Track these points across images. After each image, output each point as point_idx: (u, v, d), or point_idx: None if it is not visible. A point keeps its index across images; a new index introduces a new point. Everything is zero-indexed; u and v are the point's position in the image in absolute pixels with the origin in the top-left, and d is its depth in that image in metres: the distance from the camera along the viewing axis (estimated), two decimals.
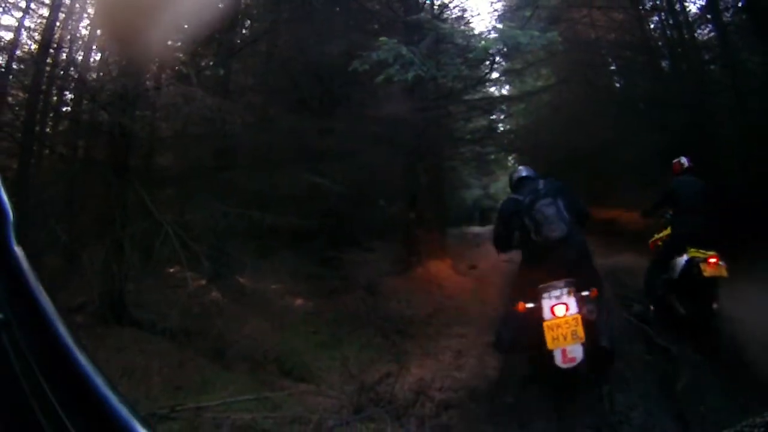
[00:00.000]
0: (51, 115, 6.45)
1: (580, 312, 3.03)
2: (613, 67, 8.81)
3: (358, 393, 3.94)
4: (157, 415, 3.01)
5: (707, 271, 3.91)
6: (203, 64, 5.77)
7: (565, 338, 2.99)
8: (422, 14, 6.03)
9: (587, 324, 3.06)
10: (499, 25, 7.61)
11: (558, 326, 2.99)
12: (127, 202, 4.02)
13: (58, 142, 6.08)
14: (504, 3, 8.43)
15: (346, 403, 3.80)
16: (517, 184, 3.67)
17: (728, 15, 6.76)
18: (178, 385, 3.76)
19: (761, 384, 3.62)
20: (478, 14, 13.19)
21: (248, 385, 3.91)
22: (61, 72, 6.11)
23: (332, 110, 6.02)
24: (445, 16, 7.41)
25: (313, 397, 3.93)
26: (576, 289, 3.09)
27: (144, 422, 0.56)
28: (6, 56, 5.86)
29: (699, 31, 7.32)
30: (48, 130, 6.30)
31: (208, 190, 5.02)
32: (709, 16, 6.89)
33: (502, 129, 9.38)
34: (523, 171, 3.78)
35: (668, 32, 7.62)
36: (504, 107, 9.00)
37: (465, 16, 8.02)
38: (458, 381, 4.12)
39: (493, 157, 9.82)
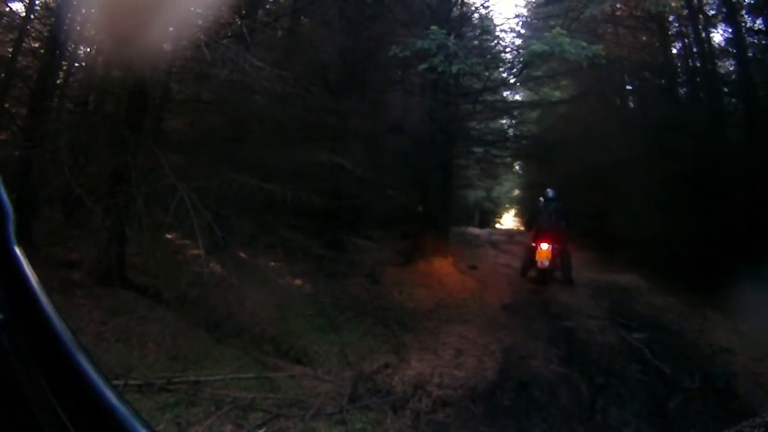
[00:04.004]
0: (65, 66, 6.11)
1: (551, 249, 6.24)
2: (629, 87, 8.67)
3: (355, 381, 3.79)
4: (155, 385, 2.78)
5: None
6: (223, 33, 5.45)
7: (542, 257, 6.24)
8: (455, 9, 5.80)
9: (553, 256, 6.29)
10: (523, 31, 7.46)
11: (542, 252, 6.24)
12: (141, 161, 3.74)
13: (72, 93, 5.75)
14: (530, 10, 8.25)
15: (343, 390, 3.63)
16: (545, 197, 6.71)
17: (752, 52, 6.63)
18: (174, 354, 3.53)
19: (752, 412, 3.58)
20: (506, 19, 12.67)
21: (245, 362, 3.70)
22: (78, 27, 5.76)
23: (354, 93, 5.75)
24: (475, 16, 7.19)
25: (310, 381, 3.76)
26: (550, 242, 6.25)
27: (144, 422, 0.53)
28: (27, 3, 5.52)
29: (721, 63, 7.20)
30: (60, 81, 5.96)
31: (221, 158, 4.75)
32: (733, 51, 6.75)
33: (515, 134, 9.21)
34: (550, 193, 6.67)
35: (690, 60, 7.48)
36: (518, 113, 8.83)
37: (491, 17, 7.83)
38: (457, 379, 3.97)
39: (498, 160, 9.68)
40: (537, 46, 4.06)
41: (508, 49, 6.38)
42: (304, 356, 4.26)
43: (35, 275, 0.64)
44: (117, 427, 0.52)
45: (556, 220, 6.42)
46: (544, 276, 6.33)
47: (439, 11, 6.29)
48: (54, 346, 0.58)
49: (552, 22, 5.95)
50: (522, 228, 9.90)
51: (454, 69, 4.23)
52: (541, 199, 6.72)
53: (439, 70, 4.34)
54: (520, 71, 5.93)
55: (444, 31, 4.35)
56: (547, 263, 6.16)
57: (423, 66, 4.52)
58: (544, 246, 6.20)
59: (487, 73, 5.43)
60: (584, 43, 4.01)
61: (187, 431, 2.45)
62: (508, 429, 3.51)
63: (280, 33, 5.69)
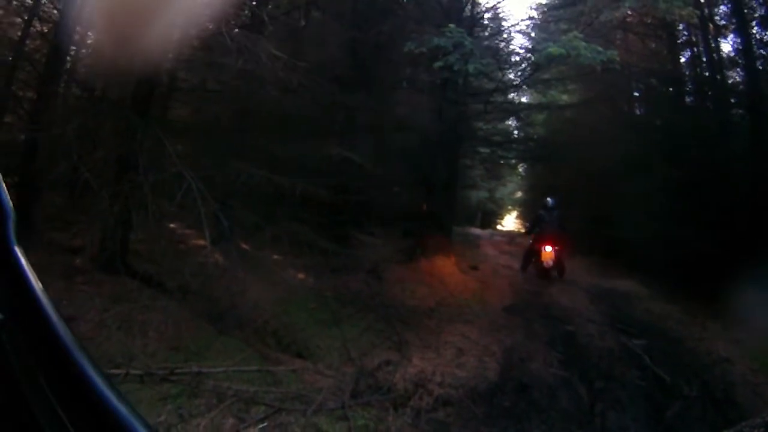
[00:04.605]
0: (74, 50, 6.01)
1: (553, 251, 6.99)
2: (637, 94, 8.62)
3: (356, 377, 3.74)
4: (157, 375, 2.71)
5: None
6: (234, 22, 5.35)
7: (546, 257, 6.98)
8: (466, 9, 5.74)
9: (555, 256, 7.02)
10: (532, 34, 7.39)
11: (546, 253, 6.97)
12: (148, 147, 3.66)
13: (80, 78, 5.67)
14: (541, 13, 8.16)
15: (345, 386, 3.58)
16: (545, 206, 7.45)
17: (761, 63, 6.57)
18: (175, 345, 3.47)
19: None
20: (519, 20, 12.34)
21: (248, 355, 3.64)
22: (88, 12, 5.66)
23: (363, 88, 5.67)
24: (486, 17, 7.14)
25: (312, 376, 3.70)
26: (553, 246, 6.99)
27: (144, 422, 0.52)
28: None
29: (729, 73, 7.15)
30: (68, 66, 5.86)
31: (229, 149, 4.68)
32: (742, 61, 6.69)
33: (521, 136, 9.17)
34: (550, 202, 7.41)
35: (698, 69, 7.43)
36: (525, 115, 8.77)
37: (502, 18, 7.77)
38: (458, 378, 3.92)
39: (503, 161, 9.64)
40: (554, 49, 4.00)
41: (519, 51, 6.34)
42: (306, 350, 4.20)
43: (35, 275, 0.62)
44: (117, 426, 0.52)
45: (557, 225, 7.28)
46: (547, 273, 7.19)
47: (450, 10, 6.22)
48: (54, 346, 0.58)
49: (564, 26, 5.89)
50: (523, 230, 10.19)
51: (471, 68, 4.17)
52: (542, 207, 7.64)
53: (455, 68, 4.27)
54: (531, 73, 5.85)
55: (461, 30, 4.28)
56: (551, 263, 7.08)
57: (438, 63, 4.46)
58: (548, 248, 7.05)
59: (500, 74, 5.37)
60: (600, 48, 3.96)
61: (190, 423, 2.39)
62: (509, 430, 3.47)
63: (303, 23, 5.59)
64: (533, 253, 7.29)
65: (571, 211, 7.93)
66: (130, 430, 0.51)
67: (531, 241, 7.55)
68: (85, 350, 0.57)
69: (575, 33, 4.02)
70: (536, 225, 7.48)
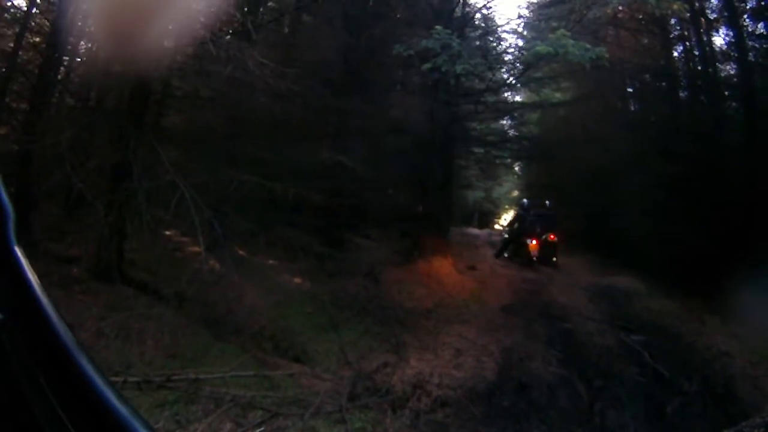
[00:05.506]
0: (66, 61, 6.06)
1: (537, 244, 8.06)
2: (630, 90, 8.69)
3: (354, 380, 3.77)
4: (154, 382, 2.75)
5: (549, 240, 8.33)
6: (225, 30, 5.39)
7: (533, 249, 8.01)
8: (457, 9, 5.80)
9: (539, 248, 8.11)
10: (524, 33, 7.45)
11: (532, 246, 8.01)
12: (142, 156, 3.71)
13: (73, 88, 5.72)
14: (531, 11, 8.22)
15: (343, 389, 3.62)
16: (522, 206, 8.61)
17: (753, 55, 6.63)
18: (173, 352, 3.51)
19: (750, 416, 3.57)
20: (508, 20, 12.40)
21: (244, 360, 3.68)
22: (80, 22, 5.71)
23: (355, 92, 5.72)
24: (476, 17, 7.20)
25: (309, 380, 3.74)
26: (537, 239, 8.04)
27: (144, 422, 0.53)
28: None
29: (722, 66, 7.20)
30: (61, 76, 5.91)
31: (222, 155, 4.72)
32: (734, 54, 6.74)
33: (515, 135, 9.25)
34: (525, 203, 8.67)
35: (691, 63, 7.49)
36: (518, 114, 8.85)
37: (493, 17, 7.85)
38: (456, 379, 3.95)
39: (498, 161, 9.72)
40: (542, 48, 4.05)
41: (510, 50, 6.40)
42: (303, 354, 4.24)
43: (35, 275, 0.63)
44: (117, 426, 0.52)
45: (538, 224, 8.24)
46: (532, 262, 8.14)
47: (441, 11, 6.28)
48: (54, 346, 0.58)
49: (554, 24, 5.94)
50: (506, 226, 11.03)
51: (458, 69, 4.23)
52: (521, 207, 8.68)
53: (443, 69, 4.33)
54: (522, 72, 5.90)
55: (448, 31, 4.34)
56: (536, 253, 8.18)
57: (426, 65, 4.51)
58: (534, 242, 8.14)
59: (490, 74, 5.41)
60: (588, 45, 4.01)
61: (187, 429, 2.43)
62: (507, 430, 3.50)
63: (287, 30, 5.66)
64: (510, 245, 8.54)
65: (567, 210, 8.01)
66: (130, 430, 0.52)
67: (506, 235, 9.02)
68: (84, 350, 0.58)
69: (562, 31, 4.07)
70: (515, 223, 8.60)
